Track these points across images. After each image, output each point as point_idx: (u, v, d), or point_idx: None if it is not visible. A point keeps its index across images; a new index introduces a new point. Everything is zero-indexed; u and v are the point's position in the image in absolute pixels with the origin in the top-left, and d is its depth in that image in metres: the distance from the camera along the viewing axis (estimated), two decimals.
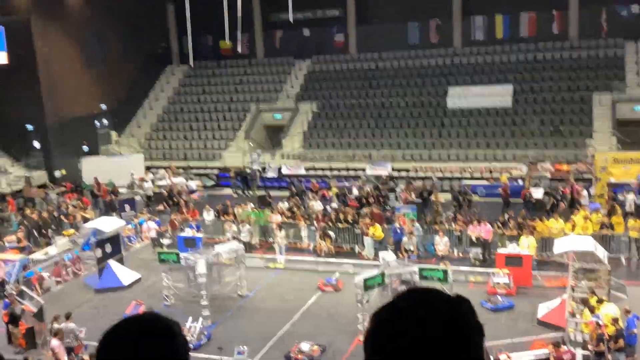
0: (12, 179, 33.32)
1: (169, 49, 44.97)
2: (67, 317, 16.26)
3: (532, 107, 34.20)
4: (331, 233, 23.37)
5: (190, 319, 17.20)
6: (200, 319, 17.34)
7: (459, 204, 25.68)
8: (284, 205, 25.78)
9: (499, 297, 18.16)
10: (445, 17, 38.83)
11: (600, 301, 15.43)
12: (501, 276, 18.72)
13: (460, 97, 35.54)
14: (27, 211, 27.39)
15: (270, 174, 33.99)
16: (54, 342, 15.16)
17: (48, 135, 34.82)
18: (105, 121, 39.74)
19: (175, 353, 1.63)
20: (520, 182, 28.50)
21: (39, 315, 17.12)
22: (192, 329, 16.84)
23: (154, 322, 1.65)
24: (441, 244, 21.53)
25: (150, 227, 24.65)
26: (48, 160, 34.96)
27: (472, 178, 30.25)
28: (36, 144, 35.53)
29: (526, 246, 19.96)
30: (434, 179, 29.34)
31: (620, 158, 27.07)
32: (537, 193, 26.52)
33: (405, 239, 21.61)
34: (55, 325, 15.87)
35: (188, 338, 16.30)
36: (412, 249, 21.36)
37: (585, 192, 25.34)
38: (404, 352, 1.44)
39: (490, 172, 30.56)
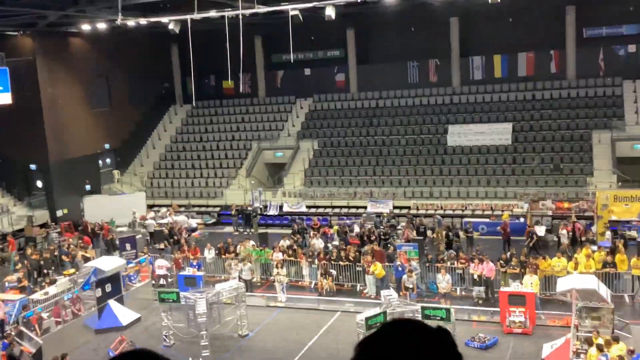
0: (14, 219, 33.35)
1: (172, 88, 45.54)
2: (63, 357, 16.11)
3: (531, 145, 34.40)
4: (332, 271, 23.27)
5: (190, 359, 17.01)
6: (200, 358, 17.15)
7: (452, 242, 25.48)
8: (285, 243, 25.73)
9: (481, 335, 17.98)
10: (444, 57, 39.41)
11: (615, 340, 15.20)
12: (517, 315, 18.55)
13: (460, 135, 35.81)
14: (28, 251, 27.35)
15: (272, 211, 34.03)
16: None
17: (51, 174, 35.02)
18: (108, 160, 40.04)
19: None
20: (522, 219, 28.47)
21: (38, 356, 16.96)
22: None
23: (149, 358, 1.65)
24: (443, 282, 21.40)
25: (162, 265, 24.44)
26: (50, 200, 35.07)
27: (473, 216, 30.23)
28: (39, 184, 35.70)
29: (530, 284, 19.83)
30: (437, 217, 29.32)
31: (621, 195, 27.11)
32: (540, 231, 26.48)
33: (405, 277, 21.50)
34: None
35: None
36: (411, 287, 21.22)
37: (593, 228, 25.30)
38: None
39: (492, 209, 30.57)
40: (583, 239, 24.84)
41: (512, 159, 34.02)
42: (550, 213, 29.05)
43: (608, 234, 24.85)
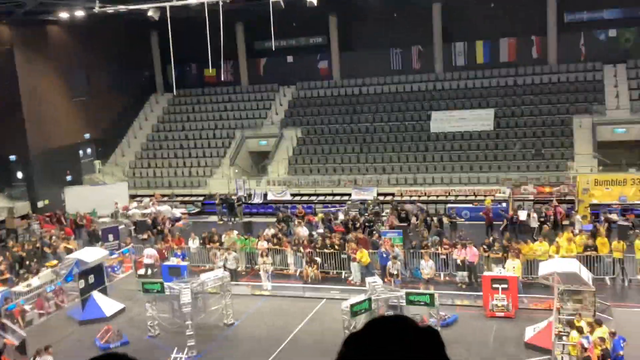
0: None
1: (152, 77, 45.08)
2: (46, 349, 16.03)
3: (513, 131, 34.62)
4: (317, 259, 23.31)
5: (175, 349, 16.99)
6: (186, 350, 17.13)
7: (430, 227, 25.70)
8: (270, 232, 25.70)
9: (441, 313, 17.98)
10: (427, 43, 39.41)
11: (597, 322, 15.40)
12: (499, 298, 18.71)
13: (443, 121, 35.93)
14: (10, 243, 27.03)
15: (256, 200, 33.95)
16: None
17: (31, 165, 34.60)
18: (89, 150, 39.62)
19: None
20: (504, 204, 28.70)
21: (22, 348, 16.83)
22: (177, 359, 16.61)
23: None
24: (427, 267, 21.51)
25: (150, 254, 24.28)
26: (31, 191, 34.66)
27: (456, 202, 30.42)
28: (19, 175, 35.26)
29: (512, 268, 20.02)
30: (418, 204, 29.38)
31: (602, 179, 27.41)
32: (522, 215, 26.70)
33: (390, 263, 21.59)
34: (37, 359, 15.61)
35: None
36: (395, 273, 21.33)
37: (578, 216, 25.52)
38: None
39: (474, 195, 30.77)
40: (564, 223, 25.10)
41: (494, 145, 34.21)
42: (531, 197, 29.31)
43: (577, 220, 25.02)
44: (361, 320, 17.00)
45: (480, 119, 35.41)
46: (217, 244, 24.97)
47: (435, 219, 26.48)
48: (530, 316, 18.43)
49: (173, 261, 23.47)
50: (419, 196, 31.65)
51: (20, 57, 33.93)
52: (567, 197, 28.69)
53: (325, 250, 23.66)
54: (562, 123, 34.21)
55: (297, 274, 23.66)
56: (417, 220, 27.18)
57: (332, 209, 30.55)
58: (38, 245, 26.95)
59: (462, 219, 28.24)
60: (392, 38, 39.73)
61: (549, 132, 33.98)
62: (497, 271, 20.22)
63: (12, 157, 34.84)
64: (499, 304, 18.76)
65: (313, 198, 33.49)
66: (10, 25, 33.38)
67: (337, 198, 32.92)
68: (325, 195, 33.66)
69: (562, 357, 14.90)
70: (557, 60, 37.34)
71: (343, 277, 23.11)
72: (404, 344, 1.50)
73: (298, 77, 41.92)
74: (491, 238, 22.87)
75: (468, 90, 37.87)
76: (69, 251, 25.45)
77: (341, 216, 28.33)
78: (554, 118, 34.62)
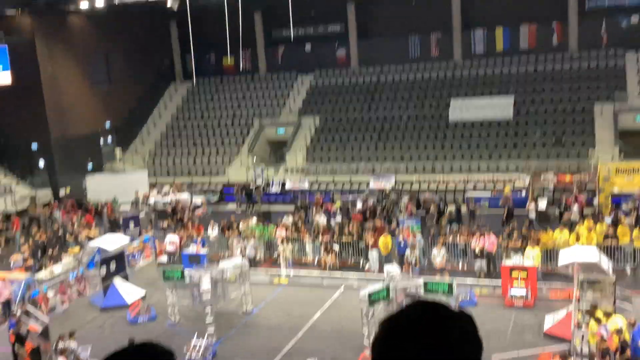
0: (17, 199, 33.46)
1: (172, 66, 45.31)
2: (70, 335, 16.32)
3: (533, 119, 34.28)
4: (335, 247, 23.39)
5: (195, 335, 17.21)
6: (206, 336, 17.35)
7: (442, 215, 25.70)
8: (288, 220, 25.81)
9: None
10: (446, 30, 39.08)
11: (608, 314, 15.37)
12: (518, 288, 18.66)
13: (462, 109, 35.67)
14: (34, 230, 27.46)
15: (274, 188, 34.07)
16: None
17: (53, 153, 35.03)
18: (109, 138, 40.02)
19: None
20: (524, 193, 28.50)
21: (45, 334, 17.14)
22: (197, 346, 16.84)
23: (150, 351, 1.63)
24: (439, 256, 21.47)
25: (173, 241, 24.62)
26: (53, 179, 35.13)
27: (475, 190, 30.26)
28: (41, 163, 35.74)
29: (531, 257, 19.92)
30: (431, 194, 29.28)
31: (623, 168, 27.09)
32: (541, 204, 26.53)
33: (408, 251, 21.61)
34: (61, 344, 15.90)
35: (193, 355, 16.41)
36: (414, 261, 21.35)
37: (575, 208, 25.29)
38: None
39: (493, 183, 30.59)
40: (585, 212, 24.88)
41: (514, 133, 33.92)
42: (551, 186, 29.07)
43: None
44: (379, 309, 17.09)
45: (500, 107, 35.09)
46: (236, 232, 25.16)
47: (449, 207, 26.40)
48: (550, 305, 18.36)
49: (193, 249, 23.72)
50: (437, 185, 31.58)
51: (41, 47, 34.25)
52: (588, 186, 28.39)
53: (343, 239, 23.72)
54: (583, 110, 33.80)
55: (315, 262, 23.78)
56: (434, 209, 27.12)
57: (350, 197, 30.56)
58: (60, 232, 27.37)
59: (485, 206, 28.10)
60: (411, 25, 39.44)
61: (569, 120, 33.61)
62: (516, 260, 20.14)
63: (34, 146, 35.30)
64: (518, 294, 18.70)
65: (331, 186, 33.53)
66: (31, 15, 33.69)
67: (355, 186, 32.93)
68: (343, 183, 33.69)
69: (581, 347, 14.85)
70: (578, 46, 36.84)
71: (361, 265, 23.18)
72: (440, 328, 1.54)
73: (316, 65, 41.84)
74: (510, 226, 22.75)
75: (487, 78, 37.54)
76: (90, 239, 25.82)
77: (359, 204, 28.35)
78: (574, 105, 34.21)
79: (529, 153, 32.32)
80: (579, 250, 18.93)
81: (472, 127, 34.96)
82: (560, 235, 21.48)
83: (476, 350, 1.59)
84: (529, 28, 37.89)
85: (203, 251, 23.47)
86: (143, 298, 21.18)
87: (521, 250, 20.89)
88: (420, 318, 1.56)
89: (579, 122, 33.40)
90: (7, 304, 20.29)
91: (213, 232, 25.81)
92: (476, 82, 37.45)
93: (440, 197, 28.49)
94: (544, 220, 25.57)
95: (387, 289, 16.96)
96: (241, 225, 25.52)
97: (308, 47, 42.25)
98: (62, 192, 34.79)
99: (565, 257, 18.00)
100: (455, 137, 34.76)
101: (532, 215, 25.33)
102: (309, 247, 24.23)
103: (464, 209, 26.75)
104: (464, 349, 1.55)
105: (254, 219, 26.36)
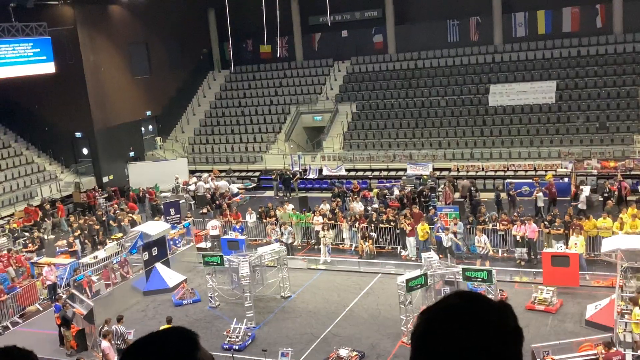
0: (62, 185, 34.39)
1: (210, 54, 45.70)
2: (119, 320, 16.73)
3: (576, 104, 33.50)
4: (373, 234, 23.38)
5: (235, 320, 17.48)
6: (245, 320, 17.61)
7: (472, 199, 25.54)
8: (325, 207, 25.90)
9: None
10: (485, 14, 38.36)
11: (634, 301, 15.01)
12: (545, 292, 17.99)
13: (502, 95, 35.10)
14: (78, 217, 28.18)
15: (311, 175, 34.20)
16: (104, 344, 15.62)
17: (96, 141, 35.84)
18: (150, 127, 40.72)
19: None
20: (566, 180, 27.94)
21: (89, 317, 17.64)
22: (236, 330, 17.11)
23: (176, 335, 1.63)
24: (480, 242, 21.25)
25: (215, 225, 25.21)
26: (96, 166, 35.97)
27: (515, 177, 29.80)
28: (84, 151, 36.62)
29: (574, 245, 19.54)
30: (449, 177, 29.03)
31: None
32: (585, 191, 25.98)
33: (443, 235, 21.47)
34: (106, 328, 16.34)
35: (233, 339, 16.68)
36: (448, 246, 21.22)
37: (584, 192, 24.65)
38: (453, 357, 1.49)
39: (535, 170, 30.06)
40: (629, 198, 24.28)
41: (556, 118, 33.21)
42: (595, 172, 28.42)
43: None
44: (417, 296, 17.06)
45: (542, 92, 34.39)
46: (274, 218, 25.38)
47: (473, 188, 26.26)
48: (592, 293, 18.04)
49: (231, 235, 24.04)
50: (476, 171, 31.21)
51: (83, 36, 34.95)
52: (633, 172, 27.68)
53: (380, 225, 23.69)
54: (627, 95, 32.87)
55: (353, 248, 23.83)
56: (471, 195, 26.87)
57: (387, 184, 30.47)
58: (104, 218, 28.06)
59: (522, 194, 27.68)
60: (449, 9, 38.84)
61: (613, 105, 32.73)
62: (557, 248, 19.81)
63: (78, 134, 36.18)
64: (542, 297, 17.90)
65: (368, 173, 33.48)
66: (73, 5, 34.37)
67: (392, 173, 32.80)
68: (380, 170, 33.58)
69: (624, 335, 14.57)
70: (623, 29, 35.72)
71: (398, 252, 23.13)
72: (480, 318, 1.54)
73: (353, 51, 41.64)
74: (552, 214, 22.34)
75: (529, 62, 36.77)
76: (133, 224, 26.39)
77: (396, 191, 28.24)
78: (619, 90, 33.28)
79: (572, 139, 31.63)
80: (623, 237, 18.52)
81: (513, 113, 34.38)
82: (603, 222, 21.02)
83: (516, 340, 1.58)
84: (571, 10, 36.90)
85: (241, 237, 23.76)
86: (185, 282, 21.61)
87: (563, 237, 20.53)
88: (459, 309, 1.55)
89: (623, 107, 32.50)
90: (53, 287, 20.95)
91: (251, 218, 26.09)
92: (517, 67, 36.73)
93: (472, 182, 28.08)
94: (588, 207, 25.02)
95: (425, 276, 16.91)
96: (278, 212, 25.73)
97: (345, 33, 42.05)
98: (106, 179, 35.60)
99: (609, 244, 17.64)
100: (495, 123, 34.24)
101: (583, 207, 24.40)
102: (346, 234, 24.30)
103: (503, 195, 26.38)
104: (505, 339, 1.54)
105: (291, 206, 26.53)
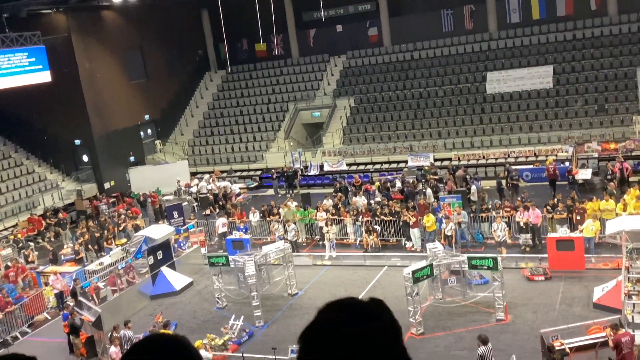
0: (64, 193, 34.42)
1: (206, 55, 45.65)
2: (126, 324, 16.75)
3: (574, 87, 33.44)
4: (377, 227, 23.38)
5: (233, 316, 17.58)
6: (242, 317, 17.64)
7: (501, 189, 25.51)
8: (328, 202, 25.89)
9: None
10: (479, 1, 38.27)
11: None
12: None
13: (500, 82, 35.04)
14: (90, 223, 28.14)
15: (312, 171, 34.18)
16: (113, 349, 15.65)
17: (96, 148, 35.84)
18: (149, 131, 40.72)
19: None
20: (567, 164, 27.91)
21: (97, 324, 17.67)
22: (233, 326, 17.22)
23: (167, 340, 1.68)
24: (499, 230, 21.20)
25: (225, 223, 25.33)
26: (97, 173, 35.98)
27: (516, 163, 29.77)
28: (85, 158, 36.63)
29: (590, 230, 19.49)
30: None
31: None
32: (585, 174, 25.96)
33: (444, 224, 21.47)
34: (115, 334, 16.36)
35: (229, 335, 16.79)
36: (450, 234, 21.23)
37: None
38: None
39: (535, 155, 30.02)
40: (631, 179, 24.25)
41: (555, 103, 33.16)
42: (596, 155, 28.38)
43: None
44: (423, 286, 17.06)
45: (539, 77, 34.32)
46: (277, 216, 25.39)
47: (468, 176, 26.36)
48: (599, 276, 18.03)
49: (236, 235, 24.04)
50: (477, 160, 31.18)
51: (78, 44, 34.90)
52: (634, 153, 27.63)
53: (384, 218, 23.69)
54: (625, 76, 32.79)
55: (357, 243, 23.83)
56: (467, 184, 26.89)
57: (389, 176, 30.45)
58: (107, 224, 28.05)
59: (523, 181, 27.64)
60: None
61: (612, 87, 32.66)
62: (561, 232, 19.79)
63: (77, 142, 36.18)
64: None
65: (369, 167, 33.45)
66: (66, 13, 34.32)
67: (394, 165, 32.78)
68: (381, 163, 33.57)
69: (632, 317, 14.56)
70: (618, 10, 35.62)
71: (403, 244, 23.13)
72: (354, 322, 1.55)
73: (348, 45, 41.59)
74: (555, 199, 22.31)
75: (524, 48, 36.69)
76: (137, 229, 26.39)
77: (398, 183, 28.23)
78: (616, 71, 33.20)
79: (571, 123, 31.59)
80: (627, 218, 18.50)
81: (511, 100, 34.32)
82: (606, 204, 21.00)
83: (394, 333, 1.60)
84: None
85: (246, 237, 23.77)
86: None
87: (567, 222, 20.50)
88: (334, 322, 1.57)
89: (621, 88, 32.43)
90: (61, 296, 20.98)
91: (254, 217, 26.09)
92: (513, 53, 36.67)
93: (466, 171, 28.07)
94: (590, 189, 25.02)
95: (431, 267, 16.92)
96: (281, 210, 25.72)
97: (339, 27, 41.98)
98: (107, 186, 35.62)
99: (613, 226, 17.62)
100: (493, 110, 34.19)
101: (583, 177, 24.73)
102: (350, 229, 24.29)
103: (503, 183, 26.37)
104: (383, 335, 1.57)
105: (294, 203, 26.53)
